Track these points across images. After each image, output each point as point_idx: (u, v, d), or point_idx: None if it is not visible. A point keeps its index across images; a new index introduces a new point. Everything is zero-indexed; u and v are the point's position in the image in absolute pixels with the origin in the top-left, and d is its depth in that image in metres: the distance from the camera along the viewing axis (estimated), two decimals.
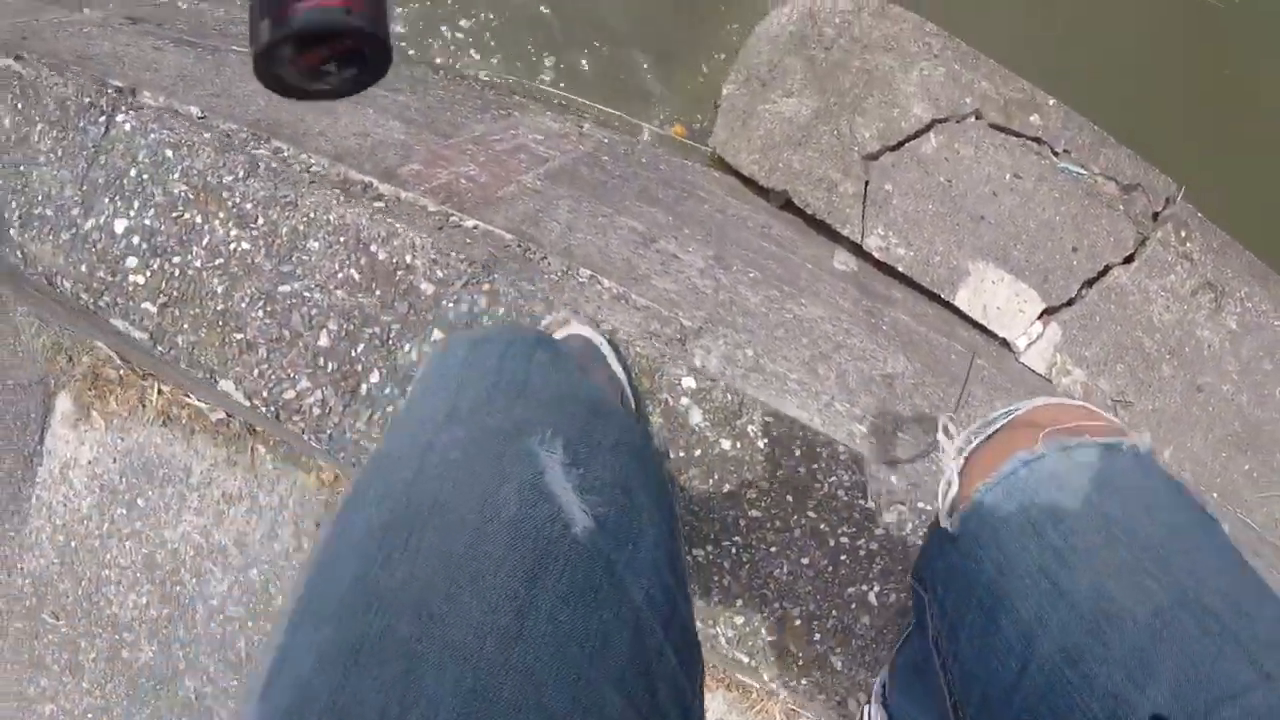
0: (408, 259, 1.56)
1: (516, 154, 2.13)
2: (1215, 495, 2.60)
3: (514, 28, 2.80)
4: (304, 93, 0.48)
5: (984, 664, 0.61)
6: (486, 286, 1.54)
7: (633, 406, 1.42)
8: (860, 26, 2.56)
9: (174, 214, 1.67)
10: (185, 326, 1.61)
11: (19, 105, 1.78)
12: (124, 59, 2.12)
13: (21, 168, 1.75)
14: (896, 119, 2.44)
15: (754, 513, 1.45)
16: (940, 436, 0.87)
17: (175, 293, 1.64)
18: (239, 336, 1.59)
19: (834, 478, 1.48)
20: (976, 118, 2.48)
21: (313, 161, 1.79)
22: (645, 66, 2.81)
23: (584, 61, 2.79)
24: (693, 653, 0.62)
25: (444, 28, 2.85)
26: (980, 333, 2.47)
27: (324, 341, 1.58)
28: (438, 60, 2.83)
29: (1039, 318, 2.46)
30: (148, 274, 1.64)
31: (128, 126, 1.77)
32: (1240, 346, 2.61)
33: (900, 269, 2.40)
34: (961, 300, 2.42)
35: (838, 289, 2.18)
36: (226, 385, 1.58)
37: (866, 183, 2.39)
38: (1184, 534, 0.61)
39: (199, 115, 1.89)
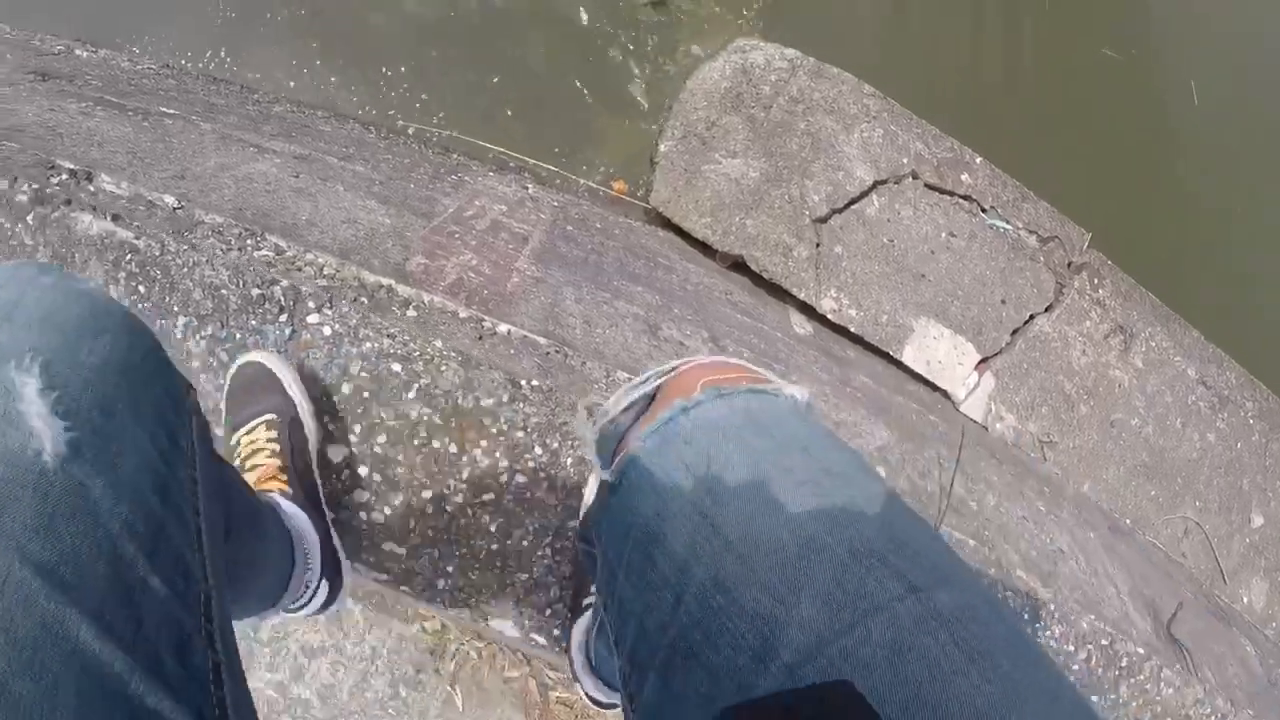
0: (486, 401, 1.84)
1: (498, 233, 2.39)
2: (1128, 521, 3.17)
3: (436, 76, 3.07)
4: None
5: (641, 600, 0.67)
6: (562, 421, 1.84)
7: (312, 429, 1.56)
8: (798, 86, 2.95)
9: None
10: None
11: None
12: (58, 129, 2.24)
13: None
14: (842, 182, 2.86)
15: None
16: (579, 416, 0.91)
17: None
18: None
19: None
20: (914, 178, 2.94)
21: (322, 262, 2.02)
22: (571, 118, 3.13)
23: (508, 110, 3.09)
24: (191, 583, 0.66)
25: (366, 78, 3.09)
26: (924, 386, 2.95)
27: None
28: (362, 111, 3.06)
29: (975, 368, 2.96)
30: None
31: (95, 229, 1.93)
32: (1146, 383, 3.20)
33: (852, 329, 2.81)
34: (907, 357, 2.87)
35: (809, 358, 2.57)
36: None
37: (818, 246, 2.81)
38: (839, 474, 0.67)
39: (175, 206, 2.07)
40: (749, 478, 0.66)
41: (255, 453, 1.47)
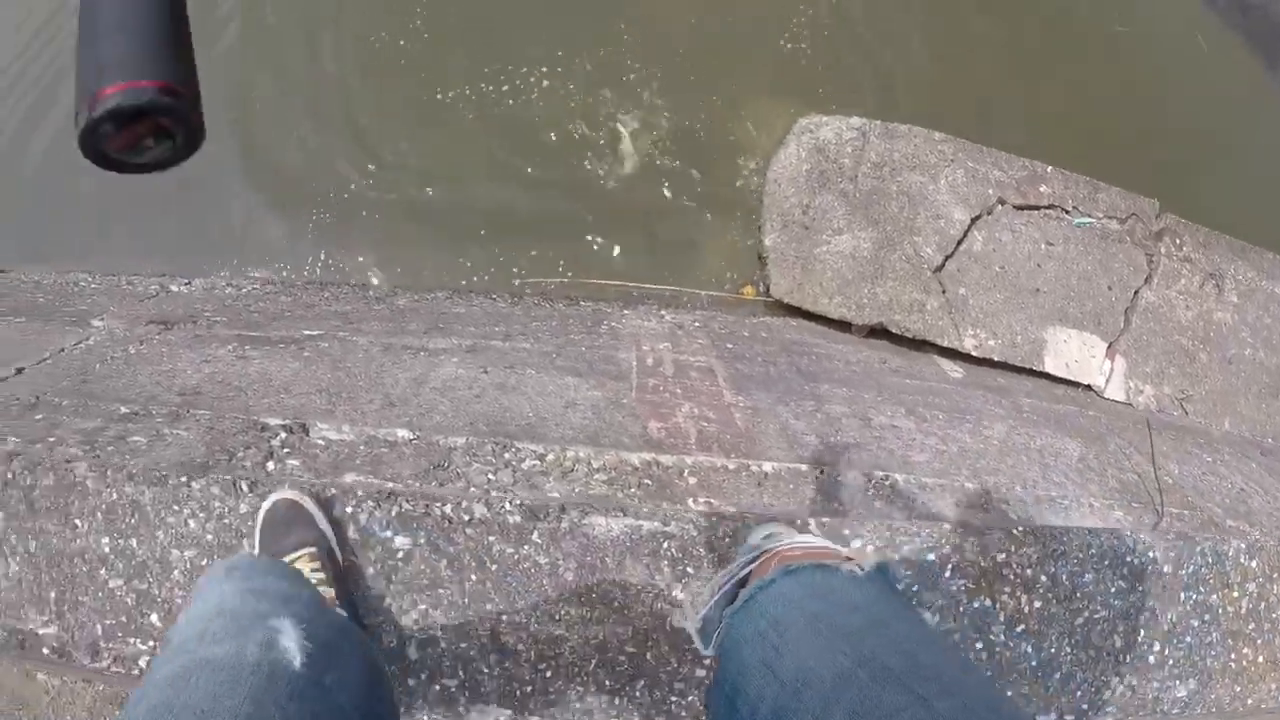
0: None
1: (687, 373, 2.75)
2: (1269, 440, 3.61)
3: (540, 230, 3.46)
4: (126, 166, 0.59)
5: None
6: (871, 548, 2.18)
7: (339, 558, 1.84)
8: (875, 151, 3.34)
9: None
10: None
11: None
12: (230, 383, 2.49)
13: None
14: (945, 228, 3.25)
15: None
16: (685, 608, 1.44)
17: None
18: None
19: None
20: (1001, 204, 3.34)
21: (583, 454, 2.34)
22: (664, 235, 3.51)
23: (615, 248, 3.46)
24: None
25: (469, 247, 3.46)
26: (1069, 386, 3.35)
27: None
28: (476, 278, 3.43)
29: (1106, 356, 3.37)
30: None
31: (349, 479, 2.25)
32: (1245, 314, 3.62)
33: (995, 359, 3.21)
34: (1049, 366, 3.26)
35: (980, 398, 2.95)
36: None
37: (944, 293, 3.20)
38: (882, 622, 0.92)
39: (411, 438, 2.38)
40: (804, 634, 0.93)
41: None
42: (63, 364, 2.77)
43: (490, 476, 2.20)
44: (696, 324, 3.15)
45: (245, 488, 1.91)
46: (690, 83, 3.61)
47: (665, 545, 1.92)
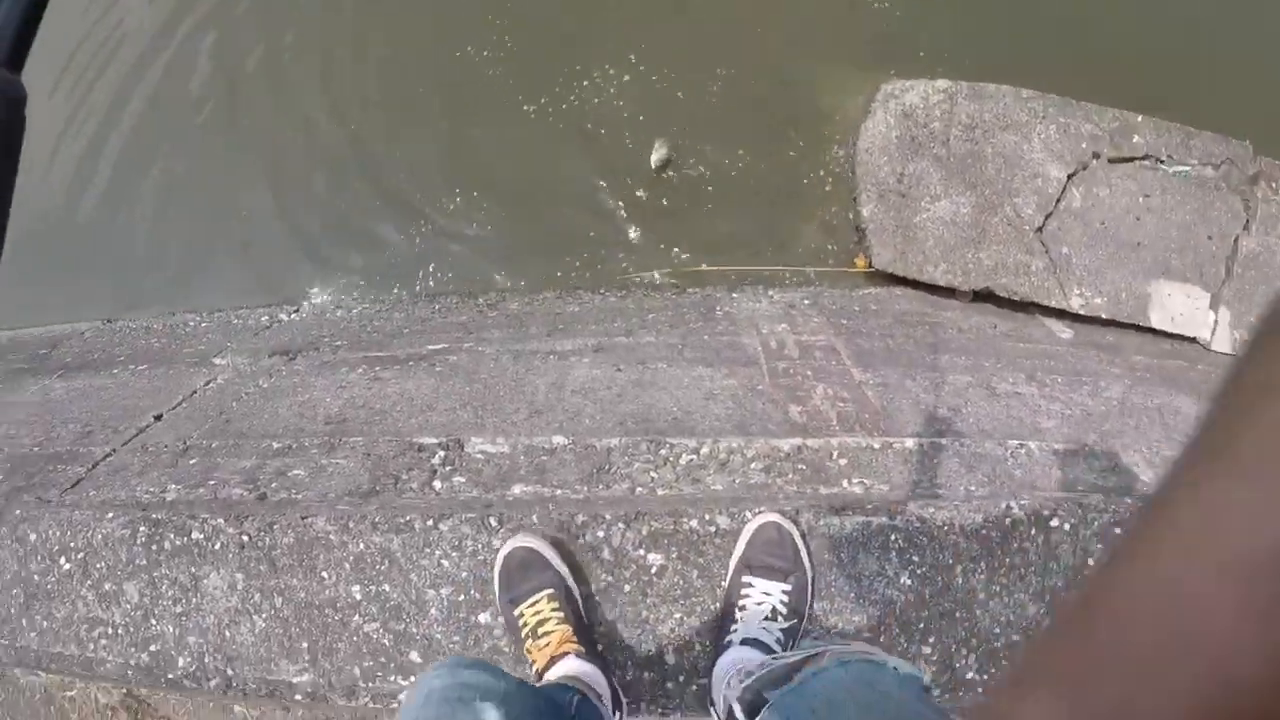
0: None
1: (811, 354, 2.93)
2: None
3: (652, 222, 3.66)
4: None
5: None
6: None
7: (577, 597, 2.01)
8: (965, 112, 3.50)
9: None
10: None
11: None
12: (371, 406, 2.70)
13: None
14: (1043, 187, 3.41)
15: None
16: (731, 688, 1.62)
17: None
18: None
19: None
20: (1096, 158, 3.50)
21: (735, 444, 2.54)
22: (763, 220, 3.70)
23: (709, 232, 3.65)
24: None
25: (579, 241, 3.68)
26: (1175, 340, 3.54)
27: None
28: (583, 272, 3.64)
29: (1210, 307, 3.55)
30: None
31: (517, 491, 2.47)
32: None
33: (1103, 316, 3.39)
34: (1155, 320, 3.43)
35: (1104, 360, 3.14)
36: None
37: (1048, 253, 3.39)
38: (910, 709, 1.15)
39: (566, 443, 2.57)
40: (850, 713, 1.14)
41: (543, 622, 1.90)
42: (199, 406, 2.97)
43: (653, 474, 2.40)
44: (807, 302, 3.34)
45: (494, 523, 2.10)
46: (765, 57, 3.78)
47: (892, 538, 2.09)
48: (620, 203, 3.63)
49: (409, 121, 3.88)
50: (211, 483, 2.47)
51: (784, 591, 1.93)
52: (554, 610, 1.92)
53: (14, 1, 0.56)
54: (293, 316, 3.68)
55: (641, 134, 3.68)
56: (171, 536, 2.22)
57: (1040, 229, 3.33)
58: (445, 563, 2.09)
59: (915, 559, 2.07)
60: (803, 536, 2.04)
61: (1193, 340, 3.47)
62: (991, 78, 3.54)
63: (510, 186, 3.73)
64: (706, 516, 2.06)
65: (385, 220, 3.77)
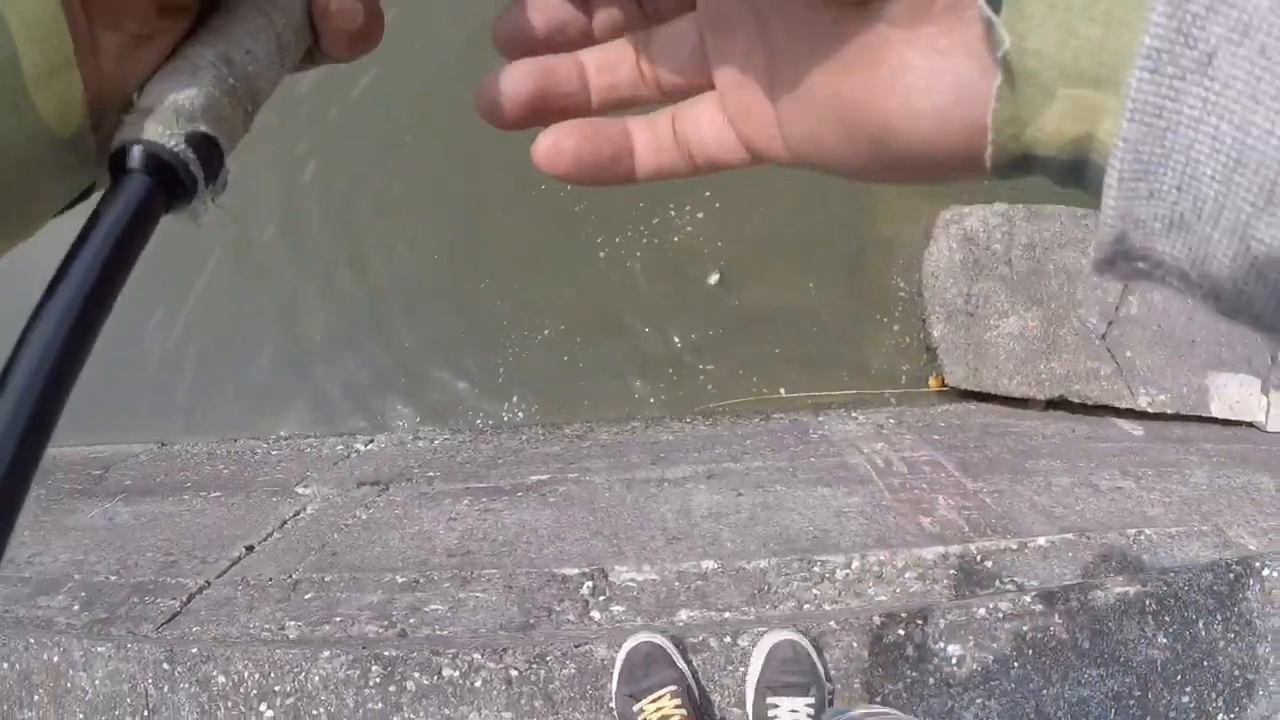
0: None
1: (918, 469, 3.28)
2: None
3: (738, 353, 4.04)
4: None
5: None
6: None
7: (697, 695, 2.09)
8: (1024, 233, 3.90)
9: None
10: None
11: None
12: (491, 537, 2.94)
13: None
14: (1102, 297, 3.84)
15: None
16: None
17: None
18: None
19: None
20: None
21: (871, 560, 2.88)
22: (836, 347, 4.09)
23: (783, 361, 4.03)
24: None
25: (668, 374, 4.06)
26: (1235, 426, 3.94)
27: None
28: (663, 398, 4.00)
29: (1261, 392, 3.96)
30: None
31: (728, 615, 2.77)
32: None
33: (1169, 412, 3.79)
34: (1215, 410, 3.83)
35: (1180, 451, 3.50)
36: None
37: (1114, 358, 3.79)
38: None
39: (715, 568, 2.88)
40: None
41: (665, 719, 2.00)
42: (295, 536, 3.12)
43: (815, 591, 2.68)
44: (893, 421, 3.71)
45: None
46: (830, 192, 4.21)
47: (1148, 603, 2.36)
48: (693, 335, 4.00)
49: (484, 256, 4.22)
50: (338, 619, 2.59)
51: (808, 705, 2.06)
52: (676, 708, 2.01)
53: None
54: (370, 446, 3.93)
55: (712, 266, 4.05)
56: (416, 675, 2.26)
57: (1104, 336, 3.74)
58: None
59: (1166, 619, 2.33)
60: (815, 649, 2.20)
61: (1250, 425, 3.87)
62: (1045, 200, 3.97)
63: (587, 316, 4.09)
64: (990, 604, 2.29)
65: (467, 352, 4.08)
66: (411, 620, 2.61)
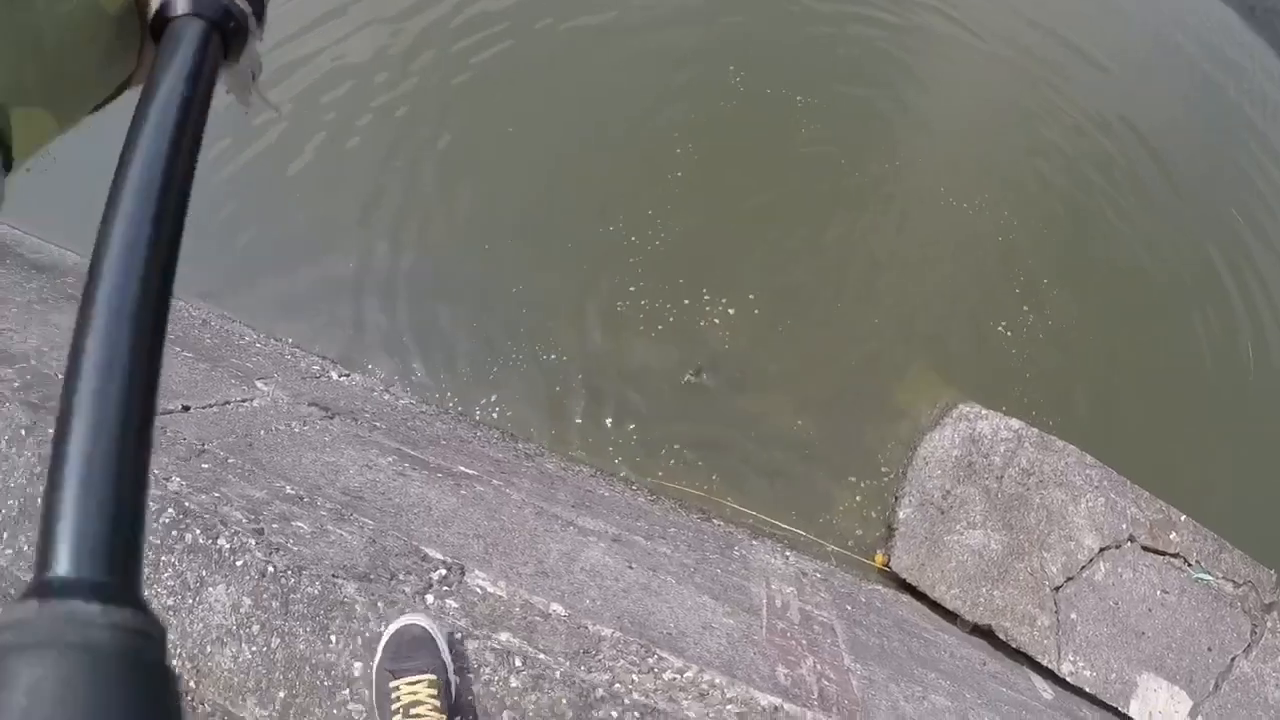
0: None
1: (811, 625, 3.28)
2: None
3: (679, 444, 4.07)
4: None
5: None
6: None
7: (454, 691, 2.12)
8: (1027, 458, 3.92)
9: None
10: None
11: None
12: (391, 497, 2.98)
13: None
14: (1073, 551, 3.80)
15: None
16: None
17: None
18: None
19: None
20: (1131, 541, 3.89)
21: (719, 682, 2.88)
22: (805, 484, 4.11)
23: (755, 478, 4.06)
24: None
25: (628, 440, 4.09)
26: None
27: None
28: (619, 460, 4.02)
29: (1189, 715, 3.90)
30: None
31: (503, 639, 2.76)
32: None
33: (1087, 690, 3.73)
34: (1134, 710, 3.75)
35: None
36: None
37: (1057, 614, 3.75)
38: None
39: (564, 614, 2.84)
40: None
41: (418, 704, 2.04)
42: (228, 418, 3.20)
43: (635, 678, 2.69)
44: (819, 575, 3.71)
45: (519, 663, 2.37)
46: (861, 334, 4.25)
47: None
48: (679, 422, 4.04)
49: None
50: (216, 495, 2.65)
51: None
52: (431, 697, 2.08)
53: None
54: (343, 379, 4.02)
55: (698, 364, 4.11)
56: (197, 533, 2.42)
57: (1058, 588, 3.71)
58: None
59: None
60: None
61: None
62: (1064, 434, 3.97)
63: (591, 360, 4.16)
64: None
65: (472, 341, 4.17)
66: (275, 525, 2.66)
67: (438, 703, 2.11)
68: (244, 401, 3.44)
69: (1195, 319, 4.90)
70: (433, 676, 2.13)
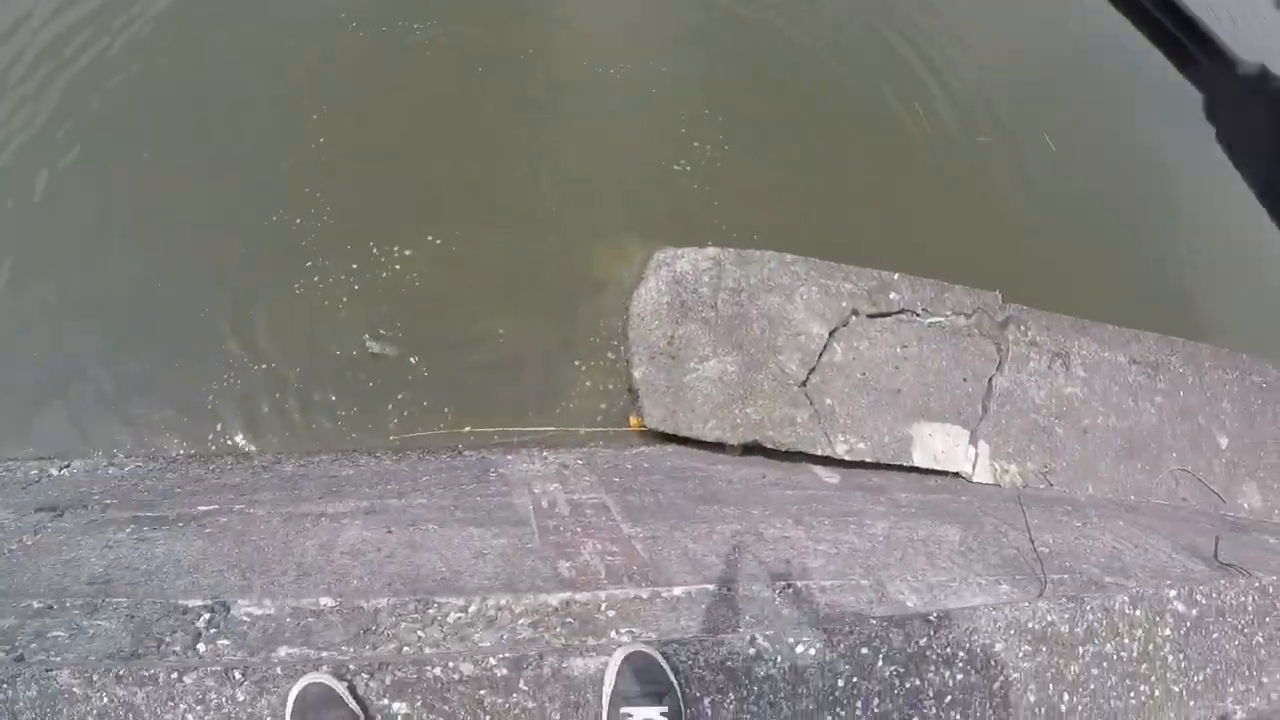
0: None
1: (582, 511, 3.35)
2: (1132, 497, 4.36)
3: (418, 386, 4.07)
4: None
5: None
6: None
7: None
8: (731, 277, 4.04)
9: None
10: None
11: None
12: (138, 568, 2.86)
13: None
14: (805, 344, 3.94)
15: None
16: None
17: None
18: None
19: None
20: (855, 314, 4.08)
21: (504, 602, 2.90)
22: (538, 384, 4.16)
23: (487, 396, 4.08)
24: None
25: (349, 407, 4.05)
26: (939, 475, 4.09)
27: None
28: (354, 436, 4.00)
29: (969, 443, 4.12)
30: None
31: (284, 653, 2.72)
32: (1094, 385, 4.38)
33: (868, 460, 3.91)
34: (918, 460, 3.96)
35: (870, 500, 3.64)
36: None
37: (812, 405, 3.92)
38: None
39: (333, 605, 2.89)
40: None
41: None
42: None
43: (420, 633, 2.69)
44: (580, 461, 3.79)
45: (239, 676, 2.24)
46: (544, 224, 4.31)
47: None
48: (392, 368, 4.08)
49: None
50: None
51: (662, 714, 2.13)
52: None
53: None
54: (63, 471, 3.88)
55: (423, 294, 4.15)
56: None
57: (804, 383, 3.87)
58: (190, 717, 2.20)
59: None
60: (666, 659, 2.27)
61: (955, 475, 4.03)
62: (770, 245, 4.12)
63: (289, 348, 4.13)
64: (450, 664, 2.27)
65: (176, 383, 4.08)
66: (33, 645, 2.56)
67: None
68: None
69: (887, 93, 5.12)
70: None
